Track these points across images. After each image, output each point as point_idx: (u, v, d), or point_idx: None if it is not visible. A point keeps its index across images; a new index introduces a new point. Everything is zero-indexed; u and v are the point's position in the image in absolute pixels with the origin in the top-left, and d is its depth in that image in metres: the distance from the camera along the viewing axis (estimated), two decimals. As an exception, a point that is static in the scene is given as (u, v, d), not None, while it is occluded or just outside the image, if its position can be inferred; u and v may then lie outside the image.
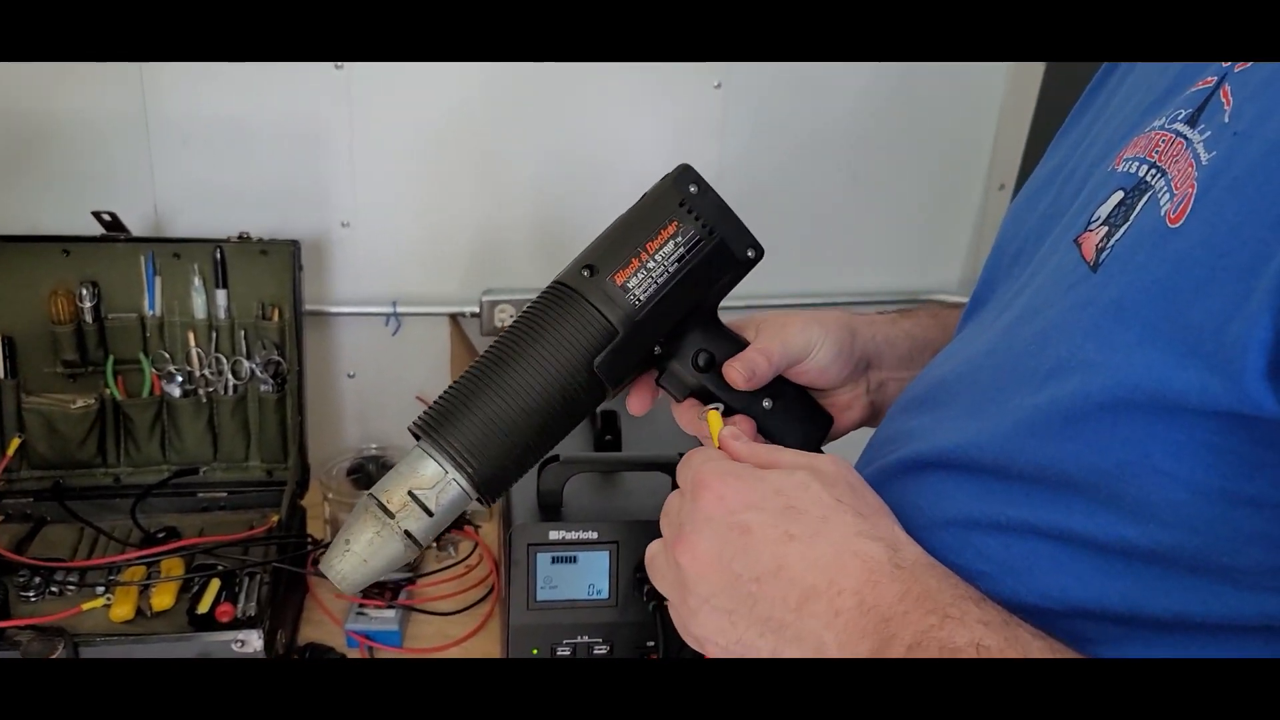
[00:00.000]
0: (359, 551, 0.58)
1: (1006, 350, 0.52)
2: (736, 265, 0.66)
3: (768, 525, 0.50)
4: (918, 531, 0.54)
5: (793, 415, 0.71)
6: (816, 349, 0.69)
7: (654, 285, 0.63)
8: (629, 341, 0.62)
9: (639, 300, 0.62)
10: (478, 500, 0.62)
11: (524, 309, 0.64)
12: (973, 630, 0.44)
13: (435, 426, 0.61)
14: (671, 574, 0.54)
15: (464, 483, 0.60)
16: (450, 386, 0.63)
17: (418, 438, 0.62)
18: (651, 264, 0.63)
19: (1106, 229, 0.48)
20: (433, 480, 0.59)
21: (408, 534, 0.60)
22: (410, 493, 0.59)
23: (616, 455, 0.97)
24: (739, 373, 0.67)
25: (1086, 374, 0.44)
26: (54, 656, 0.94)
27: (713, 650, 0.53)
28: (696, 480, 0.54)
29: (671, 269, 0.63)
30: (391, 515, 0.59)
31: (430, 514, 0.59)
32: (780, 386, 0.71)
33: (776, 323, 0.70)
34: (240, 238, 1.22)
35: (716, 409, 0.66)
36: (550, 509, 0.92)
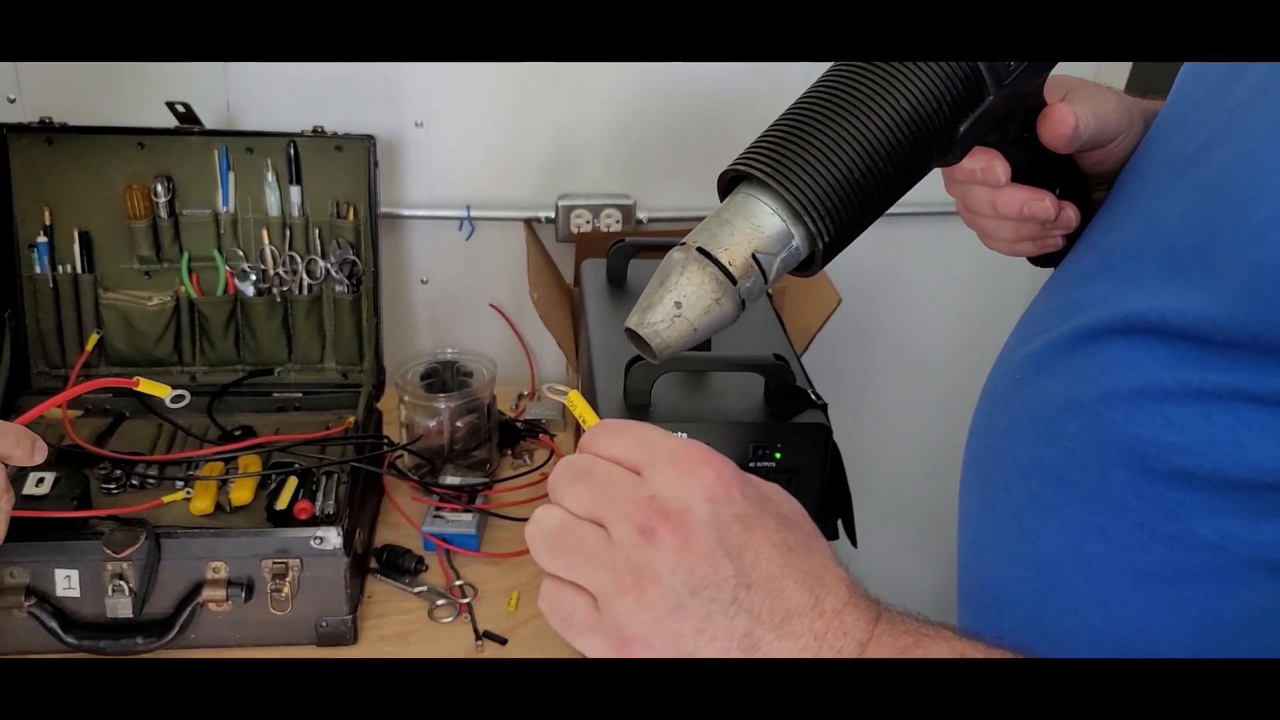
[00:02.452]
0: (691, 318, 0.48)
1: (1208, 207, 0.46)
2: None
3: (770, 528, 0.43)
4: (1096, 404, 0.49)
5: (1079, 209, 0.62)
6: (1124, 136, 0.60)
7: None
8: (995, 108, 0.52)
9: (1012, 62, 0.51)
10: (796, 270, 0.51)
11: None
12: (951, 644, 0.41)
13: (784, 175, 0.47)
14: (628, 555, 0.41)
15: (803, 247, 0.49)
16: (783, 123, 0.50)
17: (736, 181, 0.50)
18: None
19: None
20: (777, 243, 0.48)
21: (743, 304, 0.49)
22: (754, 255, 0.48)
23: (707, 354, 0.93)
24: (1062, 122, 0.55)
25: None
26: (136, 547, 0.94)
27: (640, 652, 0.42)
28: (679, 454, 0.43)
29: None
30: (734, 280, 0.48)
31: (766, 281, 0.49)
32: (1072, 175, 0.61)
33: (1089, 91, 0.60)
34: (315, 131, 1.19)
35: (576, 391, 0.53)
36: (638, 409, 0.89)
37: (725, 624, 0.41)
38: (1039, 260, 0.66)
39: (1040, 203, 0.58)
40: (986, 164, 0.56)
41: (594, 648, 0.43)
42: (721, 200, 0.51)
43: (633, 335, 0.50)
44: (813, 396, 0.91)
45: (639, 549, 0.41)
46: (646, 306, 0.49)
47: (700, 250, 0.49)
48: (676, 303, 0.48)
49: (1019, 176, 0.58)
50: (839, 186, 0.48)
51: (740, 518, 0.42)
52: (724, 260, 0.48)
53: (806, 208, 0.48)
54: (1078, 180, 0.62)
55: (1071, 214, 0.60)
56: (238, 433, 1.15)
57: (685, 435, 0.46)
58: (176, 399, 0.67)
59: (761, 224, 0.49)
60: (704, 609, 0.41)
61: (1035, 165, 0.58)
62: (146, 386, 0.62)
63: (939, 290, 1.56)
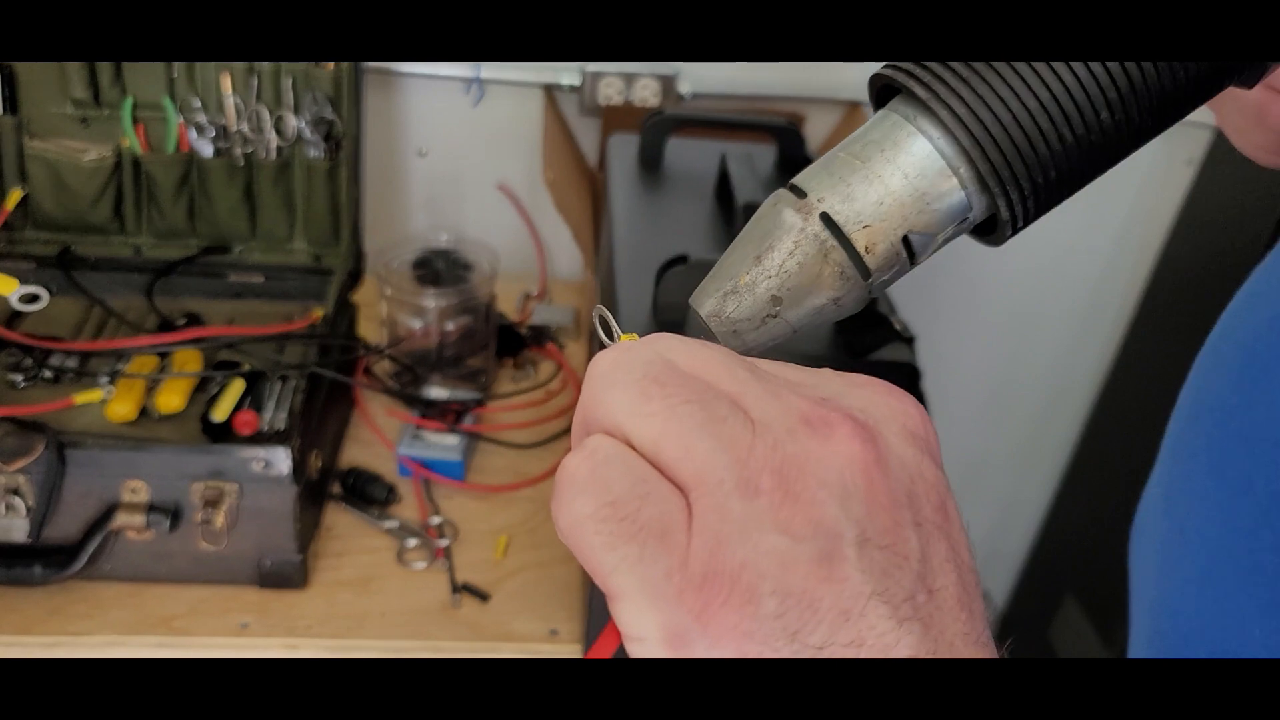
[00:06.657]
0: (792, 319, 0.32)
1: None
2: None
3: (962, 537, 0.30)
4: None
5: None
6: None
7: None
8: None
9: None
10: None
11: None
12: None
13: (979, 110, 0.30)
14: (775, 441, 0.27)
15: (976, 217, 0.32)
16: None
17: (890, 93, 0.33)
18: None
19: None
20: (946, 218, 0.32)
21: (870, 302, 0.35)
22: (907, 236, 0.32)
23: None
24: None
25: None
26: (32, 458, 0.75)
27: (718, 606, 0.26)
28: (846, 376, 0.31)
29: None
30: (867, 273, 0.32)
31: (910, 267, 0.33)
32: None
33: None
34: (287, -47, 0.96)
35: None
36: (670, 326, 0.68)
37: (886, 629, 0.25)
38: None
39: None
40: None
41: (633, 580, 0.26)
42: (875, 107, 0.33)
43: (694, 317, 0.34)
44: (897, 327, 0.70)
45: (796, 438, 0.27)
46: (730, 290, 0.33)
47: (826, 219, 0.31)
48: (775, 297, 0.32)
49: None
50: (1031, 115, 0.30)
51: (941, 497, 0.28)
52: (860, 244, 0.31)
53: (1010, 173, 0.30)
54: None
55: None
56: (182, 322, 0.95)
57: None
58: (27, 299, 0.47)
59: (929, 188, 0.31)
60: (864, 582, 0.25)
61: None
62: (-24, 278, 0.42)
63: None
